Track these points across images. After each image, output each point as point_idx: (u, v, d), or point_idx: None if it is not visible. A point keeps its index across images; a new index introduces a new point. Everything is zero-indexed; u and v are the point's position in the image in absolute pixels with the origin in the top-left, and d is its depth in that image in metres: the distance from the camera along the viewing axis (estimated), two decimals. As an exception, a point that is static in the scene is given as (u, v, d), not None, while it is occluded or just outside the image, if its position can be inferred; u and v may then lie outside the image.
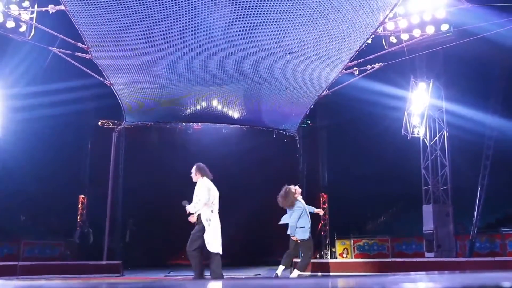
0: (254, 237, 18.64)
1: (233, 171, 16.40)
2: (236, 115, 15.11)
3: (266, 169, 17.40)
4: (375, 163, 16.82)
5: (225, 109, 14.77)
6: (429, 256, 13.74)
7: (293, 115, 14.84)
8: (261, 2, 8.98)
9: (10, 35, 11.92)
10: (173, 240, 16.98)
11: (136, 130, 16.45)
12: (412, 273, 11.69)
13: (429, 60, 14.06)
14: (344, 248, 17.33)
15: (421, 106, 14.28)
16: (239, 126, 16.53)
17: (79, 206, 17.21)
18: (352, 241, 17.18)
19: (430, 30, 11.76)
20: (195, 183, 8.01)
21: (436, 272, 11.64)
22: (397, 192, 16.09)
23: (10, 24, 11.74)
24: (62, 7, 9.14)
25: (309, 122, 17.44)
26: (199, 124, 16.81)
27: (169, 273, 14.33)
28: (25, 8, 11.33)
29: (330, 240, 17.55)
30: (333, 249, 17.43)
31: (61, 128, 16.00)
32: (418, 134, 14.47)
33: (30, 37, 12.04)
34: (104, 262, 14.30)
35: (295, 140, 16.62)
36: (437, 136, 14.44)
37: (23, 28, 12.00)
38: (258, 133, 17.42)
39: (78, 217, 16.69)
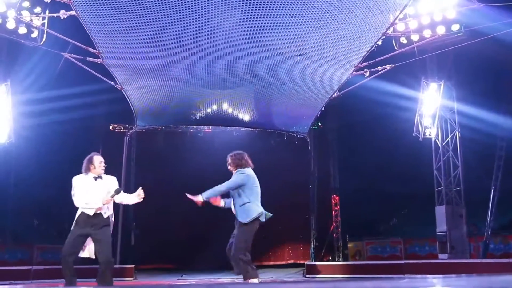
0: (266, 240, 18.62)
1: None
2: (246, 117, 15.12)
3: (277, 171, 17.34)
4: (387, 164, 16.72)
5: (235, 112, 14.79)
6: (443, 258, 13.66)
7: (303, 117, 14.82)
8: (270, 5, 8.97)
9: (22, 41, 12.04)
10: (183, 243, 17.02)
11: (147, 134, 16.51)
12: (429, 276, 11.62)
13: (440, 61, 14.01)
14: (356, 250, 17.25)
15: (432, 107, 14.22)
16: (249, 128, 16.53)
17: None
18: (364, 243, 17.11)
19: (440, 30, 11.71)
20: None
21: (452, 275, 11.58)
22: (409, 193, 15.98)
23: (22, 30, 11.87)
24: (73, 12, 9.21)
25: (319, 124, 17.39)
26: (210, 127, 16.83)
27: (181, 276, 14.37)
28: (37, 14, 11.43)
29: (342, 242, 17.47)
30: (346, 251, 17.36)
31: (72, 133, 16.07)
32: (429, 135, 14.41)
33: (42, 43, 12.15)
34: (117, 266, 14.35)
35: (306, 142, 16.58)
36: (449, 137, 14.37)
37: (34, 34, 12.12)
38: (269, 135, 17.39)
39: (91, 221, 16.74)
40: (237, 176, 6.84)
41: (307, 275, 14.98)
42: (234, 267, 6.71)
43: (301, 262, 17.38)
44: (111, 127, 17.24)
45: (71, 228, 6.64)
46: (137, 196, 6.96)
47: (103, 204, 6.66)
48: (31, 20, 11.48)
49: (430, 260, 14.25)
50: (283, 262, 18.51)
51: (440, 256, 13.98)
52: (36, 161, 15.02)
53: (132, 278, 14.27)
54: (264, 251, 18.68)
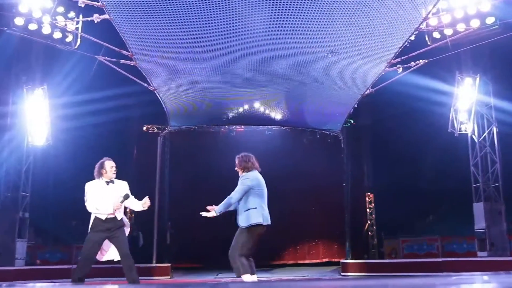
0: (299, 238, 18.61)
1: (277, 172, 16.33)
2: (279, 116, 15.10)
3: (310, 170, 17.29)
4: (422, 161, 16.49)
5: (267, 111, 14.79)
6: (482, 256, 13.39)
7: (336, 115, 14.71)
8: (300, 3, 8.94)
9: (57, 45, 12.33)
10: (216, 243, 17.11)
11: (180, 134, 16.64)
12: (477, 273, 11.41)
13: (475, 55, 13.71)
14: (392, 248, 17.05)
15: (468, 102, 13.94)
16: (282, 127, 16.50)
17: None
18: (400, 241, 16.89)
19: (475, 24, 11.47)
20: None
21: (500, 272, 11.36)
22: (445, 190, 15.73)
23: (57, 35, 12.20)
24: (106, 16, 9.34)
25: (352, 122, 17.24)
26: (242, 126, 16.88)
27: (217, 275, 14.45)
28: (71, 19, 11.68)
29: (378, 240, 17.28)
30: (381, 250, 17.17)
31: (107, 135, 16.35)
32: (465, 130, 14.13)
33: (76, 47, 12.43)
34: (154, 265, 14.55)
35: (339, 140, 16.45)
36: (486, 132, 14.07)
37: (69, 38, 12.43)
38: (301, 134, 17.33)
39: (127, 221, 16.98)
40: (242, 182, 6.97)
41: (343, 274, 14.87)
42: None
43: (336, 260, 17.28)
44: (144, 128, 17.45)
45: (88, 233, 7.01)
46: (142, 204, 7.25)
47: (114, 210, 6.95)
48: (65, 24, 11.75)
49: (469, 258, 13.98)
50: (318, 261, 18.43)
51: (479, 253, 13.72)
52: (74, 163, 15.35)
53: (169, 277, 14.42)
54: (298, 250, 18.66)
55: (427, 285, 3.90)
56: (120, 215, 7.10)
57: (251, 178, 6.97)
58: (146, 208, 7.34)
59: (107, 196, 6.99)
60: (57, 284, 10.97)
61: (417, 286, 3.96)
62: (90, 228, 7.00)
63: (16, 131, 13.93)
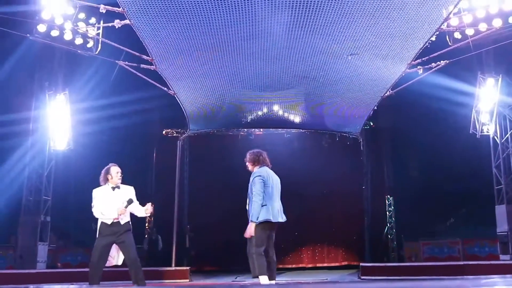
0: (318, 241, 18.55)
1: (296, 175, 16.33)
2: (298, 119, 15.06)
3: (329, 173, 17.24)
4: (443, 163, 16.33)
5: (286, 114, 14.76)
6: (505, 259, 13.22)
7: (355, 117, 14.63)
8: (320, 5, 8.92)
9: (79, 51, 12.48)
10: (235, 246, 17.12)
11: (199, 138, 16.69)
12: (507, 275, 11.26)
13: (497, 55, 13.56)
14: (412, 251, 16.89)
15: (490, 103, 13.79)
16: (301, 130, 16.48)
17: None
18: (420, 243, 16.74)
19: (497, 23, 11.33)
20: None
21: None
22: (467, 192, 15.57)
23: (79, 40, 12.35)
24: (127, 21, 9.42)
25: (372, 124, 17.15)
26: (261, 129, 16.88)
27: (236, 278, 14.45)
28: (92, 25, 11.81)
29: (398, 243, 17.14)
30: (401, 253, 17.03)
31: (127, 140, 16.50)
32: (487, 132, 13.97)
33: (97, 52, 12.55)
34: (172, 268, 14.59)
35: (359, 143, 16.37)
36: (508, 133, 13.91)
37: (90, 44, 12.57)
38: (320, 136, 17.29)
39: (146, 225, 17.10)
40: (256, 180, 6.96)
41: (362, 277, 14.76)
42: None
43: (355, 263, 17.18)
44: (164, 132, 17.55)
45: (96, 239, 7.21)
46: (145, 211, 7.39)
47: (119, 215, 7.14)
48: (86, 30, 11.88)
49: (492, 261, 13.80)
50: (337, 264, 18.34)
51: (501, 257, 13.55)
52: (94, 167, 15.46)
53: (188, 280, 14.45)
54: (317, 253, 18.59)
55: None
56: (125, 219, 7.26)
57: (262, 175, 6.99)
58: (148, 214, 7.49)
59: (113, 201, 7.19)
60: (83, 286, 11.07)
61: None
62: (98, 234, 7.21)
63: (38, 135, 14.12)
